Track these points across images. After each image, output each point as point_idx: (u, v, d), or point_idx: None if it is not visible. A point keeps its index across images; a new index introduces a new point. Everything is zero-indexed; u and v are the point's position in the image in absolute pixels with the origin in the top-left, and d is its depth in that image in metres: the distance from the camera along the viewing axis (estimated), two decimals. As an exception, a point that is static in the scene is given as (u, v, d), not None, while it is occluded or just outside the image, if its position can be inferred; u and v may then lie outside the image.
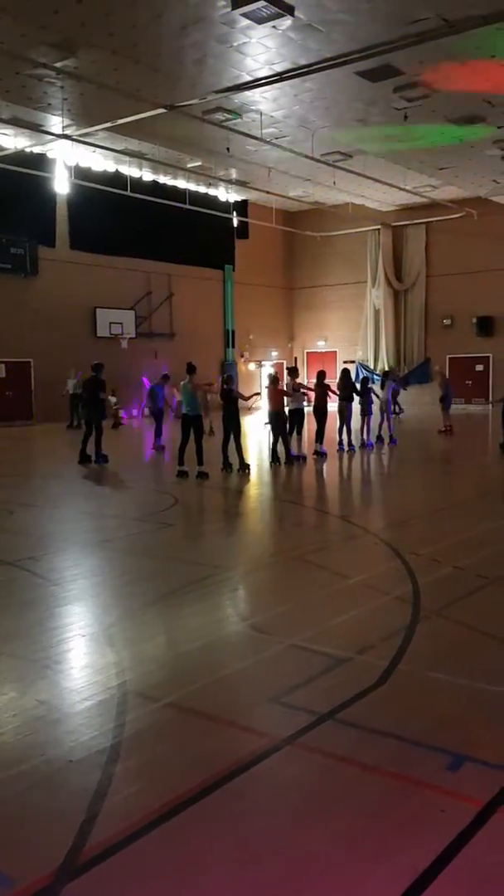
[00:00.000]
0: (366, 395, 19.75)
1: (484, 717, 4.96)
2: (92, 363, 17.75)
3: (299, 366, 28.56)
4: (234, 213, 34.17)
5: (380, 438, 20.43)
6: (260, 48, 16.32)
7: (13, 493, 14.02)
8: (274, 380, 17.54)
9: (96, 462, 17.12)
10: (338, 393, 18.85)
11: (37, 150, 25.85)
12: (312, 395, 18.61)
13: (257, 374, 36.59)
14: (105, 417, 17.76)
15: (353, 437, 19.24)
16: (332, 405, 18.76)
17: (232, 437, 15.78)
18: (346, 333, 38.28)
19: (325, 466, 17.17)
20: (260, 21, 14.91)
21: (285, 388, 17.53)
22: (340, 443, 19.06)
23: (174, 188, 30.80)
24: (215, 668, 5.79)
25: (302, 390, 18.00)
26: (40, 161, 26.58)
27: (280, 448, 16.91)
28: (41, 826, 3.82)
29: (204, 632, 6.61)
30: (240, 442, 15.90)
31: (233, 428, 15.79)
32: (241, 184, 30.85)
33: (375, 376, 31.78)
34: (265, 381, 19.07)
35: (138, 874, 3.44)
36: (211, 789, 4.05)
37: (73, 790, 4.10)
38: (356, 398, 19.23)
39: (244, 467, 15.66)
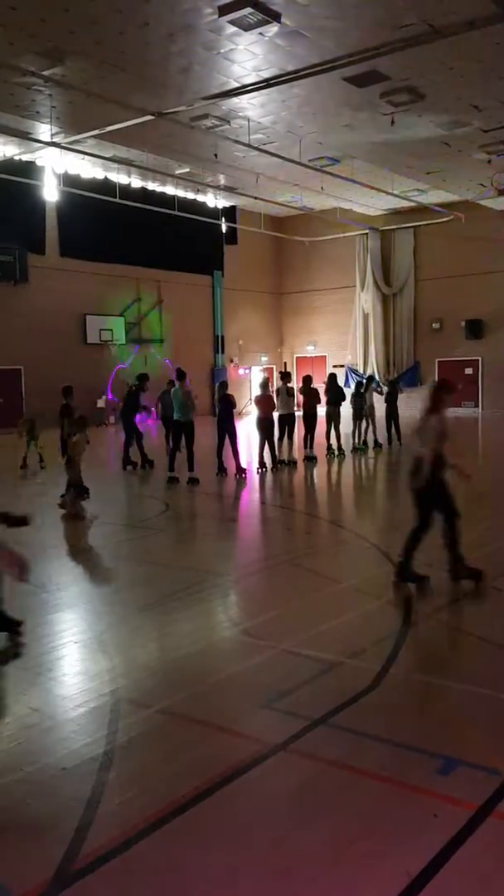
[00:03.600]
0: (356, 399, 19.88)
1: (476, 720, 4.98)
2: (137, 374, 18.37)
3: (289, 371, 28.45)
4: (223, 219, 34.18)
5: (365, 443, 20.46)
6: (247, 55, 16.35)
7: (2, 500, 13.98)
8: (265, 385, 17.56)
9: (138, 467, 17.53)
10: (325, 397, 18.90)
11: (25, 157, 25.83)
12: (302, 399, 18.64)
13: (247, 379, 36.64)
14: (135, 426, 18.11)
15: (342, 441, 19.26)
16: (321, 410, 18.77)
17: (227, 441, 15.89)
18: (336, 338, 38.31)
19: (315, 471, 17.18)
20: (246, 28, 14.94)
21: (276, 393, 17.52)
22: (329, 447, 19.08)
23: (163, 195, 30.81)
24: (207, 673, 5.80)
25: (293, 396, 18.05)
26: (29, 169, 26.56)
27: (267, 454, 16.90)
28: (35, 834, 3.82)
29: (196, 637, 6.62)
30: (236, 447, 15.97)
31: (228, 433, 15.89)
32: (229, 190, 30.89)
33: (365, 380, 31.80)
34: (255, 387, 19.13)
35: (132, 882, 3.44)
36: (204, 795, 4.06)
37: (66, 798, 4.10)
38: (346, 401, 19.30)
39: (240, 471, 15.75)
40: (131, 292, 32.67)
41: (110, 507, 13.09)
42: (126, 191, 28.54)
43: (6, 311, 27.90)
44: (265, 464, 16.64)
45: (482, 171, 26.31)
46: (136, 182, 29.75)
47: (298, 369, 37.02)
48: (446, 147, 23.76)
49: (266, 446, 16.80)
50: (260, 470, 16.50)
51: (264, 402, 16.85)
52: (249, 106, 19.93)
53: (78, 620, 7.22)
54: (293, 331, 40.04)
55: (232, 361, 37.07)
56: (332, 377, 19.79)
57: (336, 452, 19.03)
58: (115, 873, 3.49)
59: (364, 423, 20.47)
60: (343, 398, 19.35)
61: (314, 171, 25.90)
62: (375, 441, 20.64)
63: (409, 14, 14.58)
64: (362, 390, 20.61)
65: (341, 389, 19.55)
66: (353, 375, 35.38)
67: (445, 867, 3.46)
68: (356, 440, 20.10)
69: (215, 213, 33.75)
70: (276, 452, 17.16)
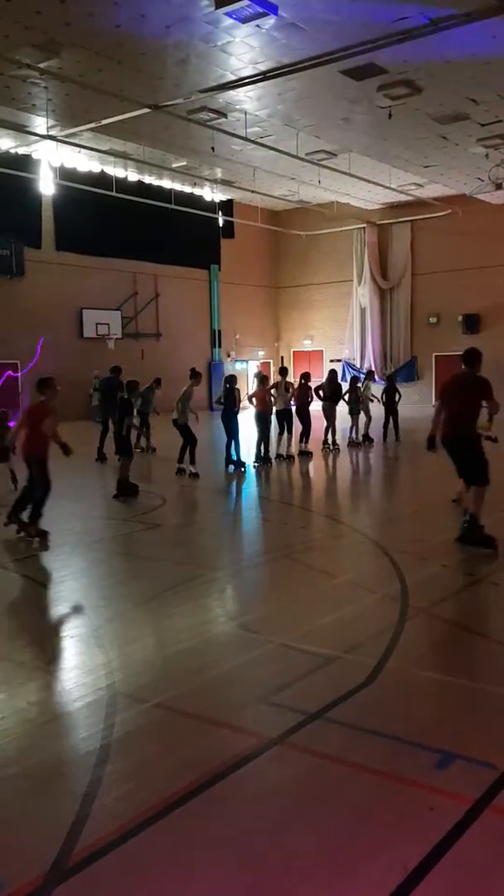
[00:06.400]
0: (352, 394, 19.88)
1: (472, 714, 4.98)
2: (111, 366, 18.22)
3: (285, 365, 28.52)
4: (220, 213, 34.11)
5: (366, 437, 20.47)
6: (244, 47, 16.30)
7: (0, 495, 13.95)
8: (262, 380, 17.58)
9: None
10: (321, 395, 18.86)
11: (21, 150, 25.77)
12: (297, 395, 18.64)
13: (243, 374, 36.65)
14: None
15: (337, 436, 19.24)
16: (316, 405, 18.71)
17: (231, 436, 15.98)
18: (333, 332, 38.29)
19: (311, 466, 17.18)
20: (244, 20, 14.89)
21: (273, 389, 17.52)
22: (325, 442, 19.07)
23: (159, 188, 30.74)
24: (204, 668, 5.79)
25: (290, 391, 17.94)
26: (25, 162, 26.47)
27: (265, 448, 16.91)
28: (31, 828, 3.81)
29: (192, 632, 6.61)
30: (238, 441, 16.05)
31: (233, 428, 15.96)
32: (226, 183, 30.82)
33: (362, 374, 31.84)
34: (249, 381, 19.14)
35: (129, 875, 3.43)
36: (200, 790, 4.05)
37: (63, 792, 4.10)
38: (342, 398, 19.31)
39: (240, 465, 15.83)
40: (128, 286, 32.62)
41: (106, 502, 13.06)
42: (122, 184, 28.51)
43: (2, 306, 27.84)
44: (262, 458, 16.65)
45: (479, 164, 26.29)
46: (132, 175, 29.71)
47: (296, 364, 37.05)
48: (444, 140, 23.72)
49: (263, 441, 16.81)
50: (256, 465, 16.51)
51: (260, 397, 16.89)
52: (246, 99, 19.88)
53: (75, 615, 7.21)
54: (290, 325, 40.01)
55: (229, 356, 37.04)
56: (333, 374, 19.75)
57: (331, 447, 19.03)
58: (112, 868, 3.48)
59: (364, 418, 20.50)
60: (340, 395, 19.27)
61: (311, 164, 25.88)
62: (365, 435, 20.57)
63: (407, 7, 14.54)
64: (358, 384, 20.60)
65: (340, 386, 19.51)
66: (350, 370, 35.39)
67: (442, 861, 3.46)
68: (354, 435, 20.11)
69: (212, 206, 33.69)
70: (272, 447, 17.17)
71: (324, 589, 7.92)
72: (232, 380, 16.70)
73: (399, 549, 9.24)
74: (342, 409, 19.44)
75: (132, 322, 32.67)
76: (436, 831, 3.65)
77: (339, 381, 19.92)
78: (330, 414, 18.95)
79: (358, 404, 20.09)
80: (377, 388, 22.30)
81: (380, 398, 21.35)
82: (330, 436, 19.04)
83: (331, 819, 3.82)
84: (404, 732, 4.64)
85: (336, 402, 18.98)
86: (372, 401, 21.02)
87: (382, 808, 3.91)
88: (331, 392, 19.03)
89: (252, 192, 30.00)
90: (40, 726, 4.86)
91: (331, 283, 38.12)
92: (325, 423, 19.04)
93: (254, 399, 17.20)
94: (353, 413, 20.08)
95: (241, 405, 16.96)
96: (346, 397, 19.82)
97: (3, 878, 3.41)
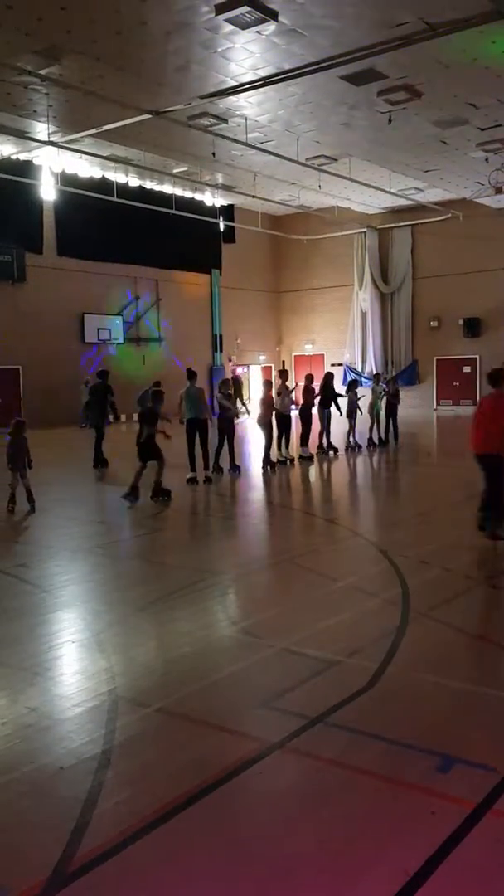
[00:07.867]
0: (349, 398, 19.85)
1: (474, 718, 4.98)
2: (97, 370, 18.33)
3: (286, 369, 28.52)
4: (221, 218, 34.18)
5: (370, 441, 20.46)
6: (244, 53, 16.34)
7: (2, 500, 13.96)
8: (267, 385, 17.68)
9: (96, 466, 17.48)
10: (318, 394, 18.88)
11: (23, 156, 25.83)
12: (300, 398, 18.68)
13: (243, 377, 36.68)
14: (110, 423, 18.18)
15: (331, 440, 19.20)
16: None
17: (225, 439, 16.03)
18: (334, 336, 38.31)
19: (311, 470, 17.19)
20: (244, 26, 14.93)
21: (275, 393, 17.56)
22: (320, 446, 19.01)
23: (160, 193, 30.80)
24: (206, 672, 5.79)
25: (289, 396, 17.96)
26: (26, 168, 26.55)
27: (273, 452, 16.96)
28: (32, 834, 3.81)
29: (194, 636, 6.61)
30: (233, 444, 16.11)
31: (227, 431, 16.02)
32: (226, 188, 30.87)
33: (364, 379, 31.85)
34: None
35: (130, 881, 3.44)
36: (202, 794, 4.06)
37: (64, 797, 4.10)
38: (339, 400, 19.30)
39: (235, 468, 15.96)
40: (129, 291, 32.65)
41: (107, 506, 13.07)
42: (124, 190, 28.57)
43: (4, 311, 27.90)
44: (266, 462, 16.71)
45: (480, 169, 26.31)
46: (133, 181, 29.77)
47: (297, 368, 37.04)
48: (444, 145, 23.75)
49: (270, 445, 16.87)
50: (263, 468, 16.55)
51: (265, 402, 16.98)
52: (247, 104, 19.93)
53: (76, 620, 7.21)
54: (291, 329, 40.04)
55: (230, 360, 37.05)
56: (329, 377, 19.69)
57: (327, 451, 18.96)
58: (113, 873, 3.48)
59: (369, 421, 20.48)
60: (335, 398, 19.15)
61: (312, 169, 25.91)
62: (370, 440, 20.55)
63: (406, 12, 14.57)
64: (357, 388, 20.56)
65: (333, 390, 19.40)
66: (352, 374, 35.41)
67: (443, 865, 3.46)
68: (351, 439, 20.03)
69: (213, 211, 33.76)
70: (278, 450, 17.26)
71: (325, 593, 7.92)
72: (225, 385, 16.84)
73: (400, 552, 9.24)
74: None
75: (133, 327, 32.71)
76: (437, 835, 3.65)
77: (335, 384, 19.87)
78: (323, 416, 18.93)
79: (354, 408, 20.03)
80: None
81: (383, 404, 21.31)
82: (325, 439, 19.03)
83: (332, 823, 3.83)
84: (405, 736, 4.65)
85: (328, 406, 18.92)
86: (380, 408, 21.04)
87: (384, 813, 3.91)
88: (324, 396, 18.98)
89: (253, 196, 30.05)
90: (42, 731, 4.86)
91: (332, 288, 38.15)
92: (319, 427, 18.99)
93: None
94: (349, 416, 19.98)
95: (242, 409, 17.05)
96: (344, 398, 19.70)
97: (5, 883, 3.41)
